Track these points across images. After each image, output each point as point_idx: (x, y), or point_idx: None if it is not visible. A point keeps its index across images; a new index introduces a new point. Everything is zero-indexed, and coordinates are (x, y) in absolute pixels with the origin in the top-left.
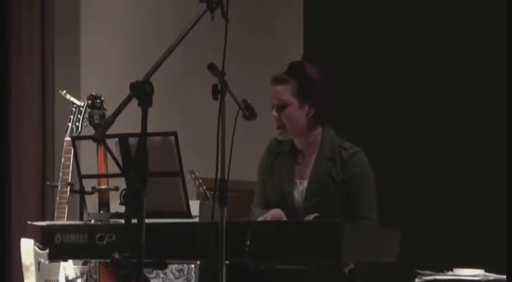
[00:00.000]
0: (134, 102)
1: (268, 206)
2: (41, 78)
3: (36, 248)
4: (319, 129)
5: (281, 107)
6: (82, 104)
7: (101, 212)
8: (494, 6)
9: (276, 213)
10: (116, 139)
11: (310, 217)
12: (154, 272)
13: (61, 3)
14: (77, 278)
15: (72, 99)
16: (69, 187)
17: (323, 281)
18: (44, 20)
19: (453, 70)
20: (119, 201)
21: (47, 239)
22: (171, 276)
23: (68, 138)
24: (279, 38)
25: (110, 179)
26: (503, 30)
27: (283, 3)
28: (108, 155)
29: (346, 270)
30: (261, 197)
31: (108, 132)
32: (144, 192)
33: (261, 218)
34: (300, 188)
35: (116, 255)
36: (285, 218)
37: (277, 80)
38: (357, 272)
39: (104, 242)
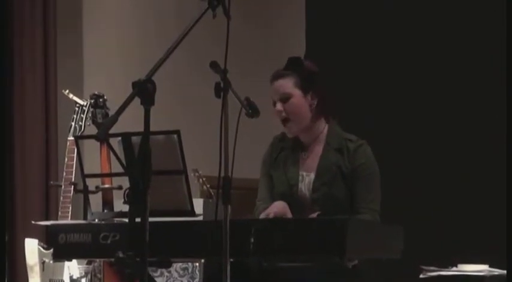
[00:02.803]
0: (137, 101)
1: (274, 199)
2: (43, 77)
3: (41, 248)
4: (324, 123)
5: (284, 100)
6: (85, 103)
7: (105, 211)
8: (495, 5)
9: (280, 205)
10: (119, 138)
11: (314, 215)
12: (159, 270)
13: (63, 2)
14: (81, 277)
15: (75, 98)
16: (72, 186)
17: (326, 277)
18: (46, 18)
19: (457, 63)
20: (122, 200)
21: (51, 239)
22: (175, 274)
23: (71, 138)
24: (281, 36)
25: (114, 178)
26: (504, 29)
27: (285, 0)
28: (112, 154)
29: (349, 265)
30: (265, 190)
31: (111, 131)
32: (148, 191)
33: (263, 214)
34: (307, 180)
35: (120, 254)
36: (288, 211)
37: (277, 75)
38: (360, 267)
39: (108, 241)
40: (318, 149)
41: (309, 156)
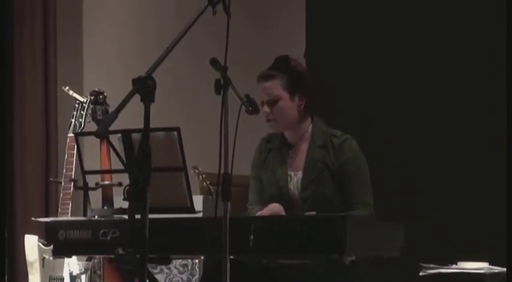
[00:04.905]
0: (137, 97)
1: (265, 202)
2: (43, 74)
3: (41, 244)
4: (309, 121)
5: (272, 102)
6: (85, 100)
7: (105, 207)
8: (495, 5)
9: (275, 208)
10: (119, 135)
11: (312, 213)
12: (159, 267)
13: (63, 1)
14: (81, 274)
15: (75, 95)
16: (72, 183)
17: (324, 273)
18: (46, 16)
19: (457, 63)
20: (122, 197)
21: (51, 235)
22: (175, 271)
23: (71, 134)
24: (281, 36)
25: (113, 175)
26: (504, 29)
27: (285, 0)
28: (111, 151)
29: (347, 261)
30: (256, 194)
31: (111, 127)
32: (148, 187)
33: (258, 214)
34: (295, 179)
35: (120, 251)
36: (283, 212)
37: (265, 76)
38: (358, 264)
39: (108, 238)
40: (304, 147)
41: (296, 154)
